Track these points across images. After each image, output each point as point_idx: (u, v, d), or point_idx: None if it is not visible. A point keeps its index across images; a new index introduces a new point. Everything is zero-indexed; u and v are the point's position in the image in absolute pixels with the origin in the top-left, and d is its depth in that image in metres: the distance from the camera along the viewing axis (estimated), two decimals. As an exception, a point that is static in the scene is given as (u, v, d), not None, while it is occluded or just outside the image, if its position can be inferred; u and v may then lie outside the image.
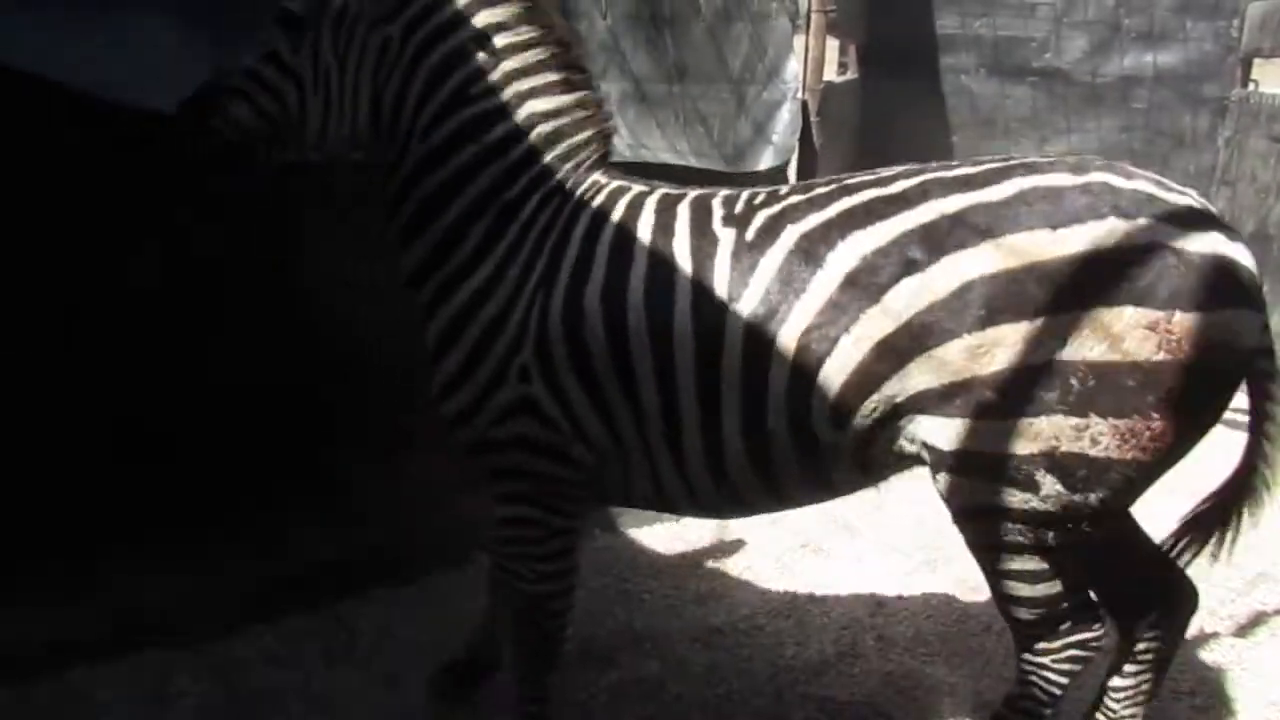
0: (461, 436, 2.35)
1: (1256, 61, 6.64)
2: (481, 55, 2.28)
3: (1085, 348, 1.90)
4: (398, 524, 3.27)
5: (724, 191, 2.31)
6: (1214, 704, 2.90)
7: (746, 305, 2.07)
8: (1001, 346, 1.93)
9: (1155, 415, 1.93)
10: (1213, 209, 2.06)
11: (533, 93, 2.32)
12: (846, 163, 5.50)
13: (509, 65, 2.30)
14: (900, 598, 3.49)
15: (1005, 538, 2.10)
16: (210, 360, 2.84)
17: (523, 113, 2.31)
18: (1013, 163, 2.08)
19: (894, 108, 6.17)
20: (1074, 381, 1.91)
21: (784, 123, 3.96)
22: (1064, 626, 2.20)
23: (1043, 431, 1.95)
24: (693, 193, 2.32)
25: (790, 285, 2.05)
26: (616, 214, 2.26)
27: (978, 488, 2.06)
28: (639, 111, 3.54)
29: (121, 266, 2.69)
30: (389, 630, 3.10)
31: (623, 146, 3.44)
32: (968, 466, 2.04)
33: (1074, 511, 2.03)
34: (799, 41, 4.05)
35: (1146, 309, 1.88)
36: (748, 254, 2.10)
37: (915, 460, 2.16)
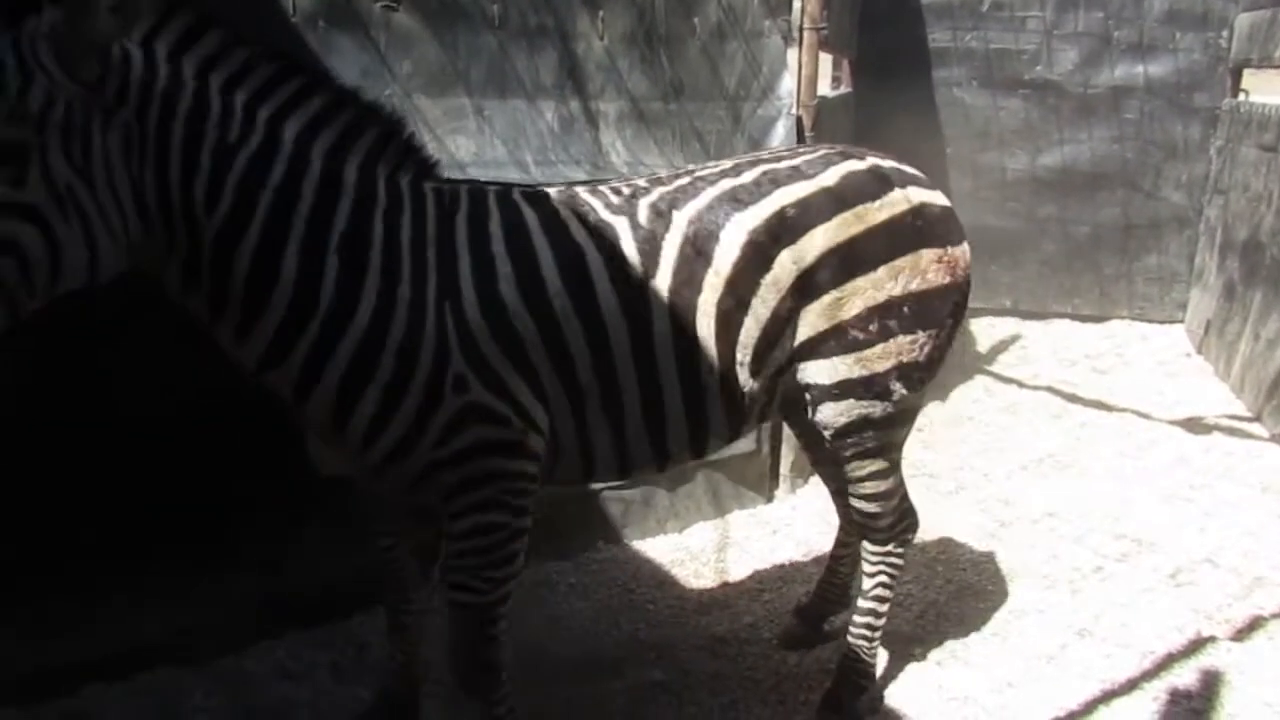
0: (403, 469, 2.24)
1: (1246, 71, 6.68)
2: (219, 97, 2.05)
3: (904, 281, 2.52)
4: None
5: (576, 188, 2.48)
6: (1210, 707, 2.93)
7: (665, 282, 2.37)
8: (858, 294, 2.49)
9: (949, 321, 2.64)
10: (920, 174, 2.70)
11: (285, 112, 2.12)
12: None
13: (246, 96, 2.08)
14: (901, 604, 3.53)
15: (870, 443, 2.66)
16: (222, 379, 2.87)
17: (289, 135, 2.12)
18: (820, 153, 2.63)
19: (888, 120, 6.24)
20: (902, 308, 2.53)
21: (779, 138, 4.02)
22: (903, 524, 2.86)
23: (891, 350, 2.54)
24: (551, 190, 2.45)
25: (701, 262, 2.39)
26: (495, 213, 2.29)
27: (851, 407, 2.58)
28: (636, 129, 3.60)
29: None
30: (397, 644, 3.14)
31: (620, 164, 3.51)
32: (844, 392, 2.56)
33: (910, 407, 2.70)
34: (792, 57, 4.11)
35: (935, 248, 2.57)
36: (649, 238, 2.38)
37: (796, 402, 2.65)
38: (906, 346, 2.56)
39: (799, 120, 4.10)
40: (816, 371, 2.55)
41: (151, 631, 2.86)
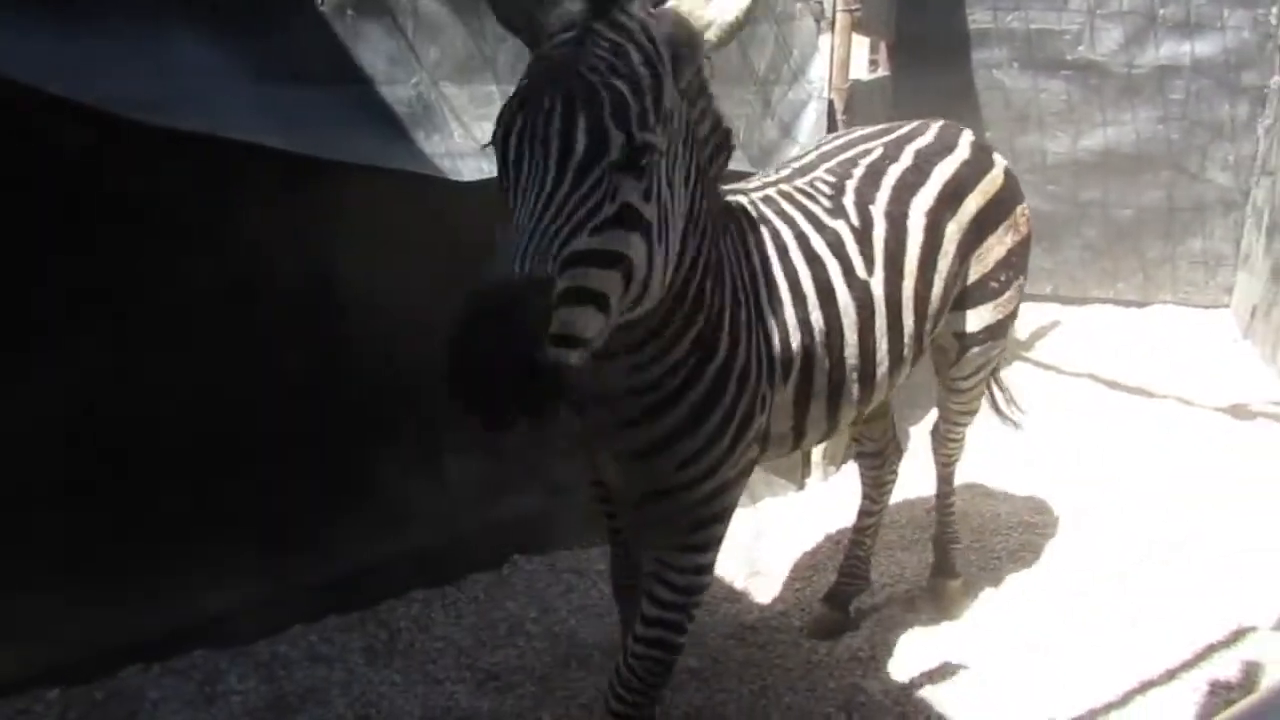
0: (696, 494, 2.16)
1: (1296, 48, 6.49)
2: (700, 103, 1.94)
3: (1012, 235, 2.92)
4: (437, 527, 3.33)
5: (798, 183, 2.56)
6: (1253, 697, 2.87)
7: (880, 278, 2.49)
8: (992, 250, 2.85)
9: (1026, 264, 3.07)
10: None
11: (703, 116, 1.96)
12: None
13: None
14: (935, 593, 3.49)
15: (980, 379, 3.15)
16: (251, 372, 2.90)
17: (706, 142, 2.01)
18: (941, 125, 2.95)
19: (925, 104, 6.13)
20: (1014, 258, 2.94)
21: (810, 122, 3.98)
22: None
23: (1014, 296, 3.00)
24: (773, 193, 2.46)
25: (900, 249, 2.56)
26: (761, 227, 2.29)
27: (988, 350, 3.02)
28: (666, 115, 3.58)
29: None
30: (428, 629, 3.17)
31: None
32: (987, 336, 2.96)
33: (1003, 345, 3.13)
34: (825, 41, 4.06)
35: (1021, 204, 2.99)
36: (865, 239, 2.51)
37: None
38: (1019, 292, 3.02)
39: (830, 104, 4.05)
40: (968, 320, 2.91)
41: (188, 615, 2.90)
